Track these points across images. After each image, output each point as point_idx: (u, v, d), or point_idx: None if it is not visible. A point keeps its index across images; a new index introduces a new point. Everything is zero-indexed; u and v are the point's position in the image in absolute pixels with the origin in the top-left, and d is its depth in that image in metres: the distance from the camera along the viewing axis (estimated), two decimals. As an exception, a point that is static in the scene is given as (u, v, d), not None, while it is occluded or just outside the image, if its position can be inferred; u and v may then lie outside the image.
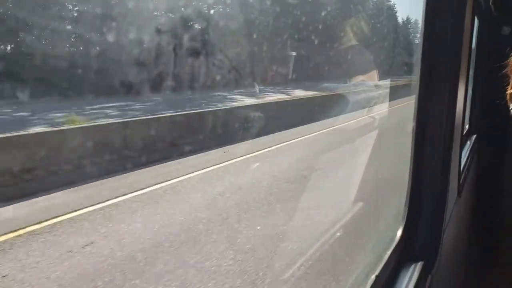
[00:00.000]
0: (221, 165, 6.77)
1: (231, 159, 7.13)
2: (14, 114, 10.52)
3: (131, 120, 8.16)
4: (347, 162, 6.88)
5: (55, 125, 8.12)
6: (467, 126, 3.19)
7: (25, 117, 10.11)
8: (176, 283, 3.12)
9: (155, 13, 16.94)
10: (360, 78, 17.14)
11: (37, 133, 6.40)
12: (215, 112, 10.19)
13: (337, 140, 9.40)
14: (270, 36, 20.63)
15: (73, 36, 15.95)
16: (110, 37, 12.92)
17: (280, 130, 9.41)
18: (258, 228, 4.11)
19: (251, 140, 8.61)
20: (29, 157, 5.37)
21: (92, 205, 4.66)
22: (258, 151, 7.78)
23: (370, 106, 13.39)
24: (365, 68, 15.27)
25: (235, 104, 13.46)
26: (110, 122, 8.74)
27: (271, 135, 9.10)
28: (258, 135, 8.79)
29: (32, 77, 11.94)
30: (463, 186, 2.10)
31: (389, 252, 1.20)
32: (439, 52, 1.32)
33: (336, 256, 3.61)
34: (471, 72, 2.96)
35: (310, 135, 9.70)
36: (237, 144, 8.16)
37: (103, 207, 4.66)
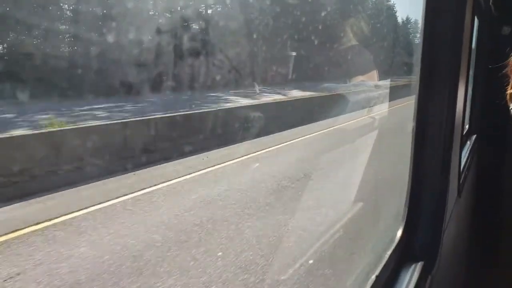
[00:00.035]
0: (193, 175, 6.10)
1: (208, 167, 6.51)
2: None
3: (107, 124, 7.62)
4: (347, 162, 6.88)
5: (37, 128, 7.55)
6: (467, 126, 3.19)
7: (9, 119, 9.51)
8: None
9: (152, 13, 16.92)
10: (360, 78, 17.16)
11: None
12: (205, 114, 9.72)
13: (337, 141, 9.40)
14: (270, 36, 20.64)
15: (67, 36, 15.85)
16: (108, 38, 12.89)
17: (274, 132, 9.05)
18: (219, 254, 3.59)
19: (238, 144, 8.06)
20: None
21: (37, 224, 4.13)
22: (257, 151, 7.75)
23: (370, 106, 13.41)
24: (365, 68, 15.29)
25: (228, 105, 13.07)
26: (71, 127, 7.49)
27: (272, 135, 8.98)
28: (254, 136, 8.50)
29: (22, 77, 11.69)
30: (463, 186, 2.10)
31: (389, 252, 1.20)
32: (439, 52, 1.32)
33: (336, 256, 3.60)
34: (471, 72, 2.96)
35: (310, 135, 9.71)
36: (218, 149, 7.63)
37: (47, 226, 4.12)
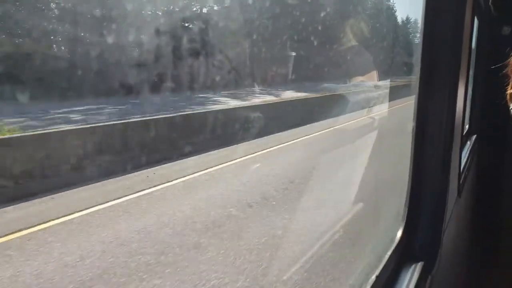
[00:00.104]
0: (150, 190, 5.44)
1: (168, 182, 5.74)
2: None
3: (63, 130, 6.86)
4: (347, 162, 6.88)
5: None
6: (467, 126, 3.19)
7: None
8: None
9: (150, 13, 16.88)
10: (359, 78, 17.17)
11: None
12: (186, 116, 8.96)
13: (337, 141, 9.40)
14: (270, 36, 20.65)
15: (52, 37, 15.35)
16: (102, 38, 12.76)
17: (261, 136, 8.57)
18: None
19: (224, 149, 7.63)
20: None
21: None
22: (253, 154, 7.74)
23: (369, 107, 13.41)
24: (364, 68, 15.28)
25: (215, 107, 12.33)
26: (18, 135, 6.43)
27: (266, 136, 8.91)
28: (248, 138, 8.32)
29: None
30: (463, 186, 2.10)
31: (389, 253, 1.20)
32: (439, 52, 1.32)
33: (336, 257, 3.60)
34: (471, 72, 2.96)
35: (311, 135, 9.71)
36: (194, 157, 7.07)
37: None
